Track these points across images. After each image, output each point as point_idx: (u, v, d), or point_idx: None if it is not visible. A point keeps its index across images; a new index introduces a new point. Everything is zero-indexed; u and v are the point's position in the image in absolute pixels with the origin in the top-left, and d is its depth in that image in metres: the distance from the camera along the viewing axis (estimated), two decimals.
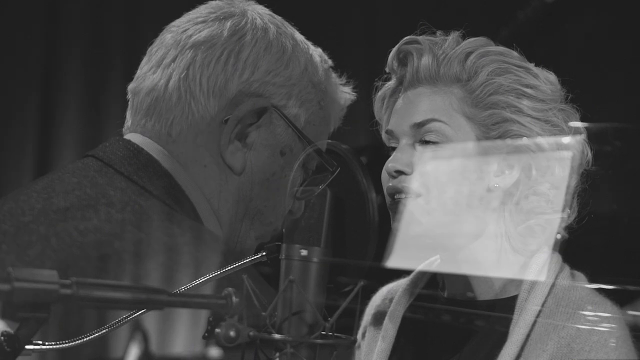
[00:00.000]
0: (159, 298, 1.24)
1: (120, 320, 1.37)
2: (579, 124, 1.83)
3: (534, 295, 1.75)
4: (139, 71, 1.77)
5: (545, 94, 1.81)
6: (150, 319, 1.34)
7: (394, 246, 1.74)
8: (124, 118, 1.78)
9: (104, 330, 1.33)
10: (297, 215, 1.71)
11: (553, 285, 1.76)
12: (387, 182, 1.81)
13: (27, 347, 1.20)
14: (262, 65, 1.71)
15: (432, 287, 1.90)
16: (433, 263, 1.89)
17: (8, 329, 1.20)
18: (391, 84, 1.90)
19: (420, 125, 1.80)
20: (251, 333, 1.31)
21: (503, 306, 1.78)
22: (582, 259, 1.84)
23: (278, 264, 1.44)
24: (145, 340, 1.22)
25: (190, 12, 1.79)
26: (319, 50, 1.81)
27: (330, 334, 1.38)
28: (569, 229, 1.83)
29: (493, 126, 1.79)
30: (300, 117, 1.74)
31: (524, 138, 1.78)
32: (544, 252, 1.79)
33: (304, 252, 1.41)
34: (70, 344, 1.33)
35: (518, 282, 1.79)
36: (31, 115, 4.33)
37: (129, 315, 1.37)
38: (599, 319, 1.70)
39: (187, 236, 1.61)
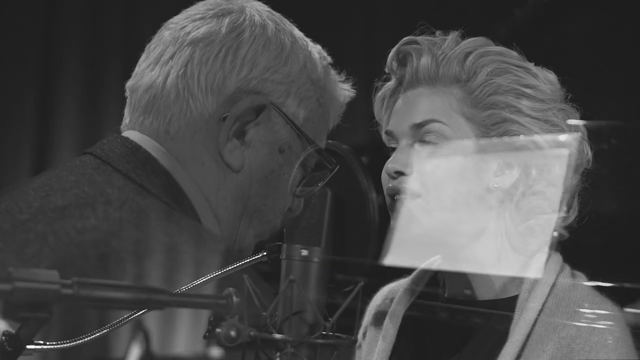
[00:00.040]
0: (159, 298, 1.23)
1: (121, 320, 1.37)
2: (576, 122, 1.83)
3: (535, 295, 1.75)
4: (137, 68, 1.76)
5: (545, 94, 1.81)
6: (151, 319, 1.33)
7: (394, 246, 1.74)
8: (122, 115, 1.77)
9: (105, 330, 1.32)
10: (296, 213, 1.71)
11: (553, 285, 1.76)
12: (387, 183, 1.81)
13: (29, 347, 1.20)
14: (261, 62, 1.70)
15: (433, 287, 1.90)
16: (434, 263, 1.89)
17: (9, 329, 1.20)
18: (391, 84, 1.90)
19: (419, 126, 1.81)
20: (252, 333, 1.31)
21: (503, 306, 1.79)
22: (582, 259, 1.84)
23: (278, 263, 1.44)
24: (147, 340, 1.22)
25: (189, 9, 1.78)
26: (318, 47, 1.80)
27: (331, 333, 1.38)
28: (569, 228, 1.83)
29: (492, 126, 1.79)
30: (299, 115, 1.73)
31: (524, 138, 1.78)
32: (545, 252, 1.79)
33: (304, 252, 1.42)
34: (72, 343, 1.33)
35: (518, 282, 1.79)
36: (29, 113, 4.32)
37: (130, 315, 1.37)
38: (600, 319, 1.70)
39: (185, 235, 1.61)
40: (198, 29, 1.71)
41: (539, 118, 1.79)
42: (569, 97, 1.86)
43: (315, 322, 1.39)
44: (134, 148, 1.68)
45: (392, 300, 1.91)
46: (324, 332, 1.38)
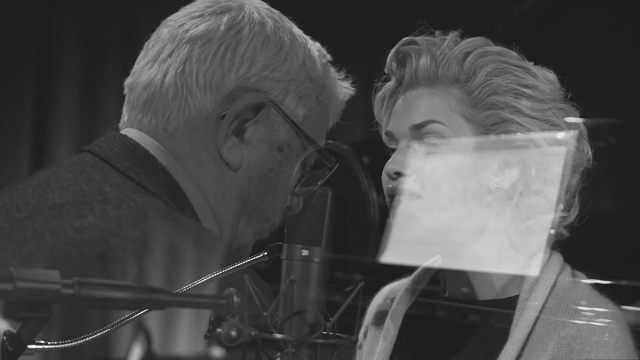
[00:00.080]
0: (160, 298, 1.23)
1: (122, 320, 1.36)
2: (574, 120, 1.83)
3: (535, 295, 1.75)
4: (135, 66, 1.75)
5: (544, 94, 1.81)
6: (153, 319, 1.33)
7: (395, 246, 1.74)
8: (120, 113, 1.77)
9: (106, 330, 1.32)
10: (295, 211, 1.71)
11: (554, 285, 1.76)
12: (387, 184, 1.81)
13: (30, 346, 1.20)
14: (260, 60, 1.70)
15: (434, 286, 1.90)
16: (435, 262, 1.89)
17: (11, 329, 1.20)
18: (390, 84, 1.90)
19: (419, 126, 1.81)
20: (252, 333, 1.30)
21: (504, 306, 1.79)
22: (582, 258, 1.84)
23: (278, 263, 1.44)
24: (148, 340, 1.21)
25: (188, 6, 1.77)
26: (317, 44, 1.80)
27: (332, 333, 1.38)
28: (570, 227, 1.83)
29: (492, 127, 1.79)
30: (298, 113, 1.73)
31: (523, 138, 1.78)
32: (545, 252, 1.80)
33: (305, 252, 1.42)
34: (73, 343, 1.33)
35: (519, 282, 1.80)
36: (27, 110, 4.30)
37: (131, 315, 1.37)
38: (600, 319, 1.70)
39: (184, 234, 1.60)
40: (197, 26, 1.71)
41: (539, 118, 1.79)
42: (568, 97, 1.85)
43: (315, 322, 1.38)
44: (132, 146, 1.67)
45: (393, 300, 1.91)
46: (324, 332, 1.38)
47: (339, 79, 1.82)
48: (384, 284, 1.97)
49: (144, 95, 1.70)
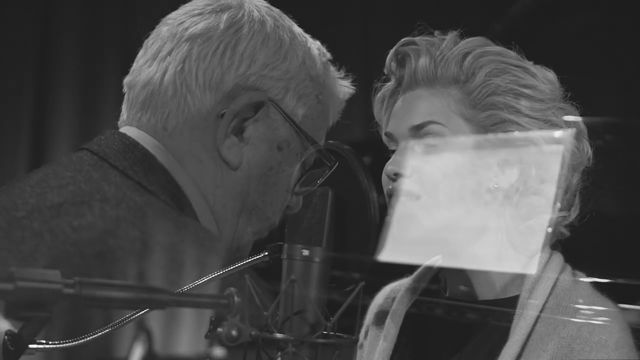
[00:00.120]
0: (161, 297, 1.23)
1: (122, 320, 1.36)
2: (572, 118, 1.83)
3: (535, 295, 1.75)
4: (134, 64, 1.75)
5: (544, 94, 1.81)
6: (154, 319, 1.33)
7: (395, 245, 1.74)
8: (119, 112, 1.76)
9: (107, 330, 1.32)
10: (294, 210, 1.70)
11: (554, 285, 1.76)
12: (387, 185, 1.81)
13: (31, 346, 1.20)
14: (259, 58, 1.69)
15: (435, 286, 1.90)
16: (435, 262, 1.88)
17: (12, 328, 1.20)
18: (390, 85, 1.90)
19: (418, 127, 1.81)
20: (253, 332, 1.30)
21: (504, 306, 1.79)
22: (582, 257, 1.84)
23: (279, 263, 1.44)
24: (150, 340, 1.21)
25: (187, 5, 1.77)
26: (317, 43, 1.79)
27: (332, 333, 1.38)
28: (570, 226, 1.83)
29: (491, 127, 1.79)
30: (298, 111, 1.72)
31: (523, 137, 1.78)
32: (546, 252, 1.80)
33: (305, 252, 1.42)
34: (74, 343, 1.33)
35: (519, 282, 1.79)
36: (26, 109, 4.29)
37: (132, 315, 1.36)
38: (600, 319, 1.70)
39: (183, 234, 1.59)
40: (196, 24, 1.70)
41: (538, 118, 1.79)
42: (568, 96, 1.85)
43: (316, 321, 1.38)
44: (131, 144, 1.67)
45: (393, 299, 1.91)
46: (325, 332, 1.38)
47: (339, 78, 1.82)
48: (385, 283, 1.97)
49: (143, 94, 1.70)
